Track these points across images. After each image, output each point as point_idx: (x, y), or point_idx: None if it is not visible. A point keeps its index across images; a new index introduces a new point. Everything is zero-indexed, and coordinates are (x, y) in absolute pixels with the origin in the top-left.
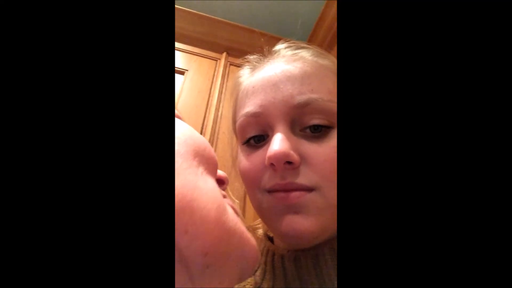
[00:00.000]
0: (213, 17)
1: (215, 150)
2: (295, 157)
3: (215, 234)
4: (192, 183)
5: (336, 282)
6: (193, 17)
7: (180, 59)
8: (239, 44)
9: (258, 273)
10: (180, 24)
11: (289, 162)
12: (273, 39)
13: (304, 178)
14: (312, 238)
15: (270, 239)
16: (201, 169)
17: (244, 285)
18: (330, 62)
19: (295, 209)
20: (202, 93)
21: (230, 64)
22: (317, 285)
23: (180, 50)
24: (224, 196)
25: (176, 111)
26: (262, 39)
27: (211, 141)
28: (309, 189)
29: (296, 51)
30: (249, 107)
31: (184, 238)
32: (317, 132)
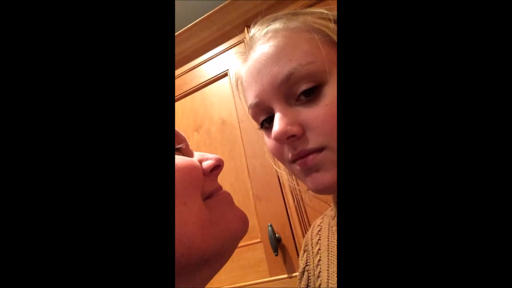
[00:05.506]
0: (215, 8)
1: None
2: (294, 130)
3: (205, 248)
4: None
5: None
6: (203, 23)
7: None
8: (253, 14)
9: (318, 234)
10: (201, 36)
11: (292, 136)
12: None
13: (311, 142)
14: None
15: None
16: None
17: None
18: (299, 22)
19: (315, 169)
20: None
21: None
22: None
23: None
24: (215, 188)
25: None
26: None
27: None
28: (319, 150)
29: (267, 28)
30: (249, 100)
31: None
32: (309, 96)
